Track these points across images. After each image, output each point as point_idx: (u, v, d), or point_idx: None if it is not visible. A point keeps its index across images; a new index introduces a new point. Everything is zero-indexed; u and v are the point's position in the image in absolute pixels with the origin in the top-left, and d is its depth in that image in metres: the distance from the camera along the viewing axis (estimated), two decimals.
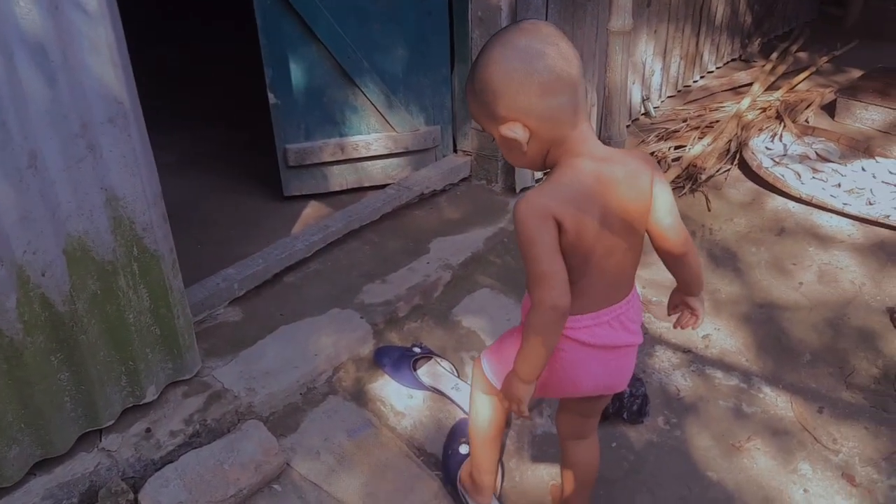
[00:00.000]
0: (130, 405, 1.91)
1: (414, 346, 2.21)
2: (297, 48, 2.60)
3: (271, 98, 2.66)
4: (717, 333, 2.45)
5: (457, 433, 1.99)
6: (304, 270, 2.51)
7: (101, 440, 1.85)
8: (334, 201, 2.90)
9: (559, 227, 1.31)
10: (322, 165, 2.82)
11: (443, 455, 1.96)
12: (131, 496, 1.71)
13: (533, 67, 1.26)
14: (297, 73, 2.64)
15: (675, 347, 2.38)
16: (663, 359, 2.34)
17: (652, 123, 3.66)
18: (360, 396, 2.12)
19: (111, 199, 1.70)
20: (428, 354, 2.17)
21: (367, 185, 2.92)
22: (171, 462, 1.81)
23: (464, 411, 2.06)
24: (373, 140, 2.83)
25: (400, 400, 2.12)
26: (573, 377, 1.50)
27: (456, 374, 2.16)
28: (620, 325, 1.48)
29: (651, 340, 2.40)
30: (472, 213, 2.83)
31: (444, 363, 2.17)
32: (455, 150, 2.99)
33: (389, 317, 2.30)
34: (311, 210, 2.88)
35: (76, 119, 1.58)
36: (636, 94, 3.65)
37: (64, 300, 1.68)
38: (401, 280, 2.44)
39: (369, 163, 2.88)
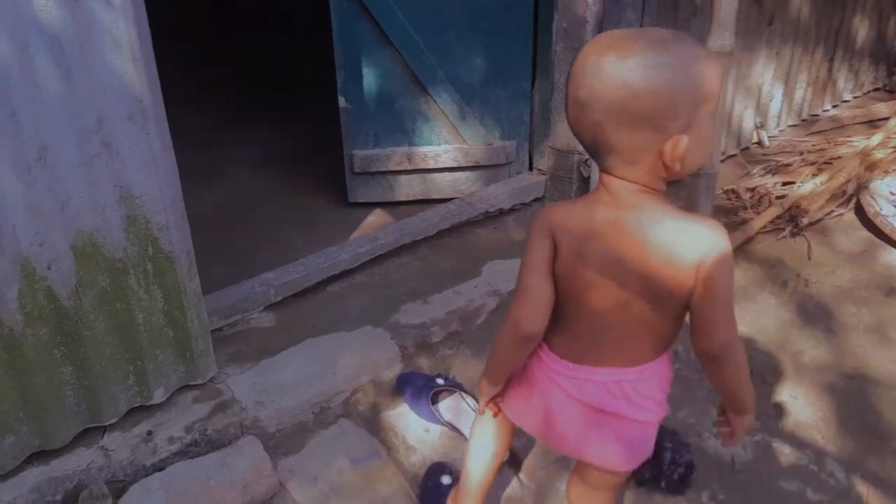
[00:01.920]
0: (137, 405, 1.88)
1: (438, 376, 2.07)
2: (371, 52, 2.52)
3: (342, 102, 2.59)
4: (793, 402, 2.16)
5: (436, 468, 1.84)
6: (350, 281, 2.43)
7: (102, 437, 1.84)
8: (400, 211, 2.81)
9: (556, 248, 1.23)
10: (389, 174, 2.73)
11: (420, 491, 1.81)
12: (110, 502, 1.67)
13: None
14: (369, 77, 2.56)
15: None
16: None
17: (763, 154, 3.33)
18: (373, 423, 2.00)
19: (126, 198, 1.67)
20: (453, 388, 2.03)
21: (434, 197, 2.81)
22: (162, 469, 1.77)
23: None
24: (442, 151, 2.71)
25: (414, 432, 1.98)
26: (559, 430, 1.37)
27: None
28: (623, 394, 1.29)
29: (711, 398, 2.14)
30: None
31: (470, 400, 2.01)
32: (531, 169, 2.82)
33: (422, 341, 2.17)
34: (375, 218, 2.80)
35: (92, 115, 1.55)
36: (748, 121, 3.33)
37: (70, 294, 1.66)
38: (442, 302, 2.31)
39: (438, 175, 2.77)
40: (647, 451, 1.42)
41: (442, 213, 2.60)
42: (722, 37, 2.35)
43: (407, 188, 2.79)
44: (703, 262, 1.16)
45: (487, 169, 2.78)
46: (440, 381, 2.04)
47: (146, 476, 1.75)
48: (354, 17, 2.45)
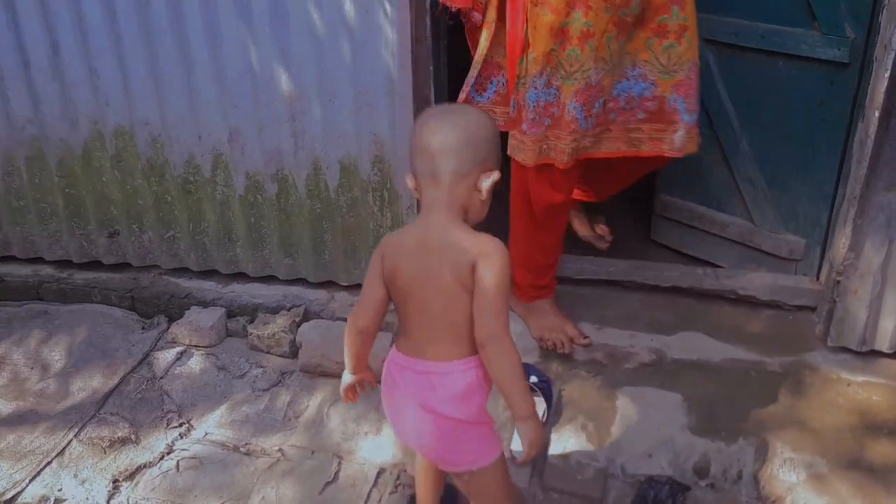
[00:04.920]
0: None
1: (543, 377, 2.35)
2: None
3: None
4: None
5: None
6: (570, 287, 2.76)
7: (337, 290, 2.78)
8: (689, 263, 2.91)
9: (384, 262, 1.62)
10: (682, 225, 2.89)
11: None
12: (299, 319, 2.63)
13: None
14: None
15: None
16: None
17: None
18: None
19: (376, 142, 2.51)
20: (538, 389, 2.31)
21: (719, 263, 2.84)
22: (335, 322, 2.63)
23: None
24: (728, 223, 2.74)
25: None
26: (404, 427, 1.71)
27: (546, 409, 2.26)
28: (430, 384, 1.59)
29: None
30: (762, 337, 2.50)
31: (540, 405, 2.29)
32: (818, 277, 2.60)
33: (563, 351, 2.47)
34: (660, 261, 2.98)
35: (363, 82, 2.43)
36: None
37: (334, 190, 2.61)
38: (611, 336, 2.51)
39: (726, 244, 2.80)
40: (473, 453, 1.65)
41: (683, 271, 2.69)
42: None
43: (695, 246, 2.89)
44: (475, 262, 1.49)
45: (771, 257, 2.68)
46: (533, 378, 2.35)
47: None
48: None
